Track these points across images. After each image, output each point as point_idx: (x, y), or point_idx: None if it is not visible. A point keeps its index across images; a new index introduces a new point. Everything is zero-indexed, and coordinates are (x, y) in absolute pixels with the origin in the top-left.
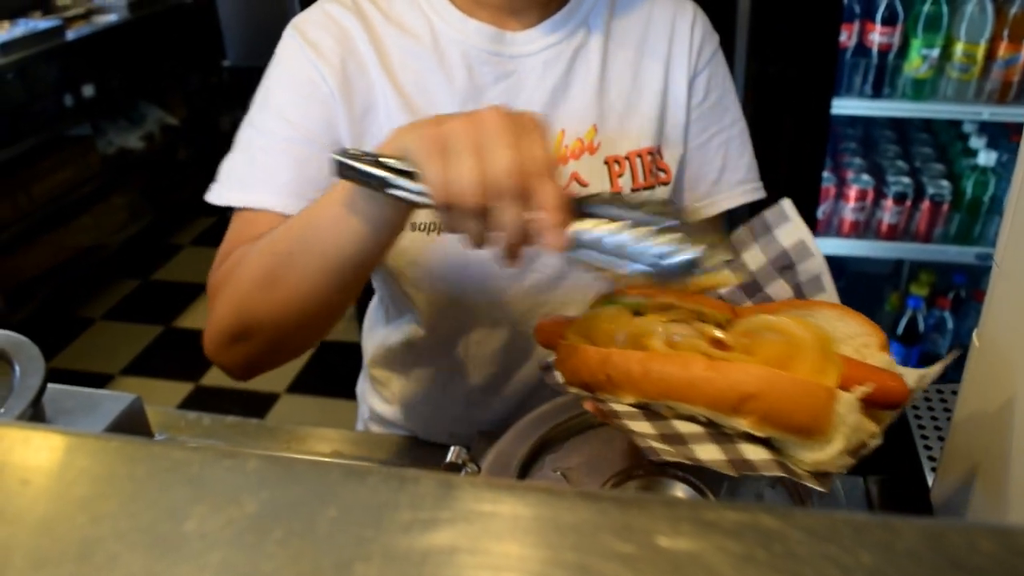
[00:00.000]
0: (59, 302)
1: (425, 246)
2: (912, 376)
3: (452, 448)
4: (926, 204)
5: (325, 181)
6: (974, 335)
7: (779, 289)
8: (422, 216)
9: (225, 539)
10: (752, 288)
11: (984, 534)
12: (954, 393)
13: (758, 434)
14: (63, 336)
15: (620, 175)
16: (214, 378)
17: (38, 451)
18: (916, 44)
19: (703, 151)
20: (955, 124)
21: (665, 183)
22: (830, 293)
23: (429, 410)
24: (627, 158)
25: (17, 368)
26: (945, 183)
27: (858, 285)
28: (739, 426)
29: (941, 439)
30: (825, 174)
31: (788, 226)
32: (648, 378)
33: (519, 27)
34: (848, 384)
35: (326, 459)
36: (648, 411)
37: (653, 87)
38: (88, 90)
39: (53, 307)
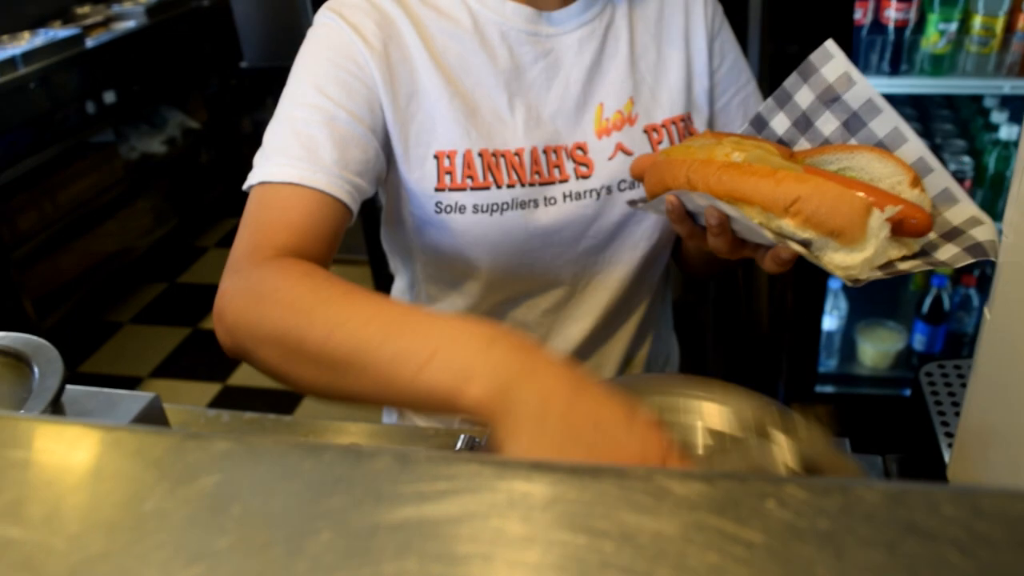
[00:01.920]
0: (87, 307)
1: (489, 227)
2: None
3: (461, 437)
4: None
5: (365, 163)
6: (986, 309)
7: (826, 121)
8: (482, 199)
9: (181, 517)
10: (804, 123)
11: (947, 497)
12: (969, 368)
13: (802, 235)
14: (92, 341)
15: (660, 142)
16: (241, 377)
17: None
18: (933, 19)
19: (726, 111)
20: (976, 99)
21: None
22: (887, 112)
23: None
24: (663, 126)
25: (36, 370)
26: (967, 159)
27: None
28: (787, 227)
29: (957, 415)
30: None
31: (832, 63)
32: (720, 181)
33: (553, 6)
34: (881, 207)
35: (290, 440)
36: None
37: (676, 58)
38: (109, 96)
39: (81, 313)
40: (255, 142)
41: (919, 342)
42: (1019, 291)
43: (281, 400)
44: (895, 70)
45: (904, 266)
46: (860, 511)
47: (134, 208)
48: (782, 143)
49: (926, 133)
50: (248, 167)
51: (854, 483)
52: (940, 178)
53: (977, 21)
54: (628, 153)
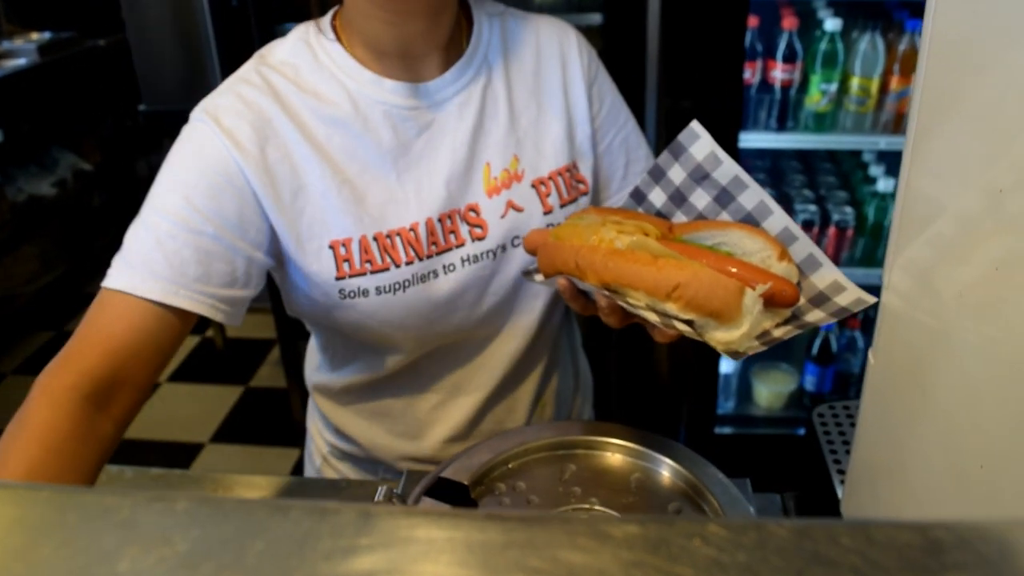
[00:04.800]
0: None
1: (394, 305)
2: (852, 294)
3: (380, 488)
4: (832, 230)
5: (231, 275)
6: (870, 353)
7: (699, 196)
8: (383, 280)
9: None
10: (678, 198)
11: (844, 530)
12: (857, 408)
13: (684, 316)
14: None
15: (548, 195)
16: (135, 430)
17: None
18: (815, 80)
19: (609, 152)
20: (855, 154)
21: (585, 193)
22: (752, 187)
23: (386, 429)
24: (550, 178)
25: None
26: (849, 209)
27: None
28: (671, 310)
29: (848, 453)
30: None
31: (700, 142)
32: (607, 268)
33: (429, 77)
34: (753, 285)
35: (252, 498)
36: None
37: (556, 109)
38: None
39: None
40: (149, 186)
41: (810, 383)
42: (899, 335)
43: (179, 454)
44: (782, 126)
45: (778, 333)
46: (772, 545)
47: (20, 253)
48: (660, 215)
49: (811, 185)
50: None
51: (767, 522)
52: (804, 246)
53: (855, 83)
54: (519, 209)
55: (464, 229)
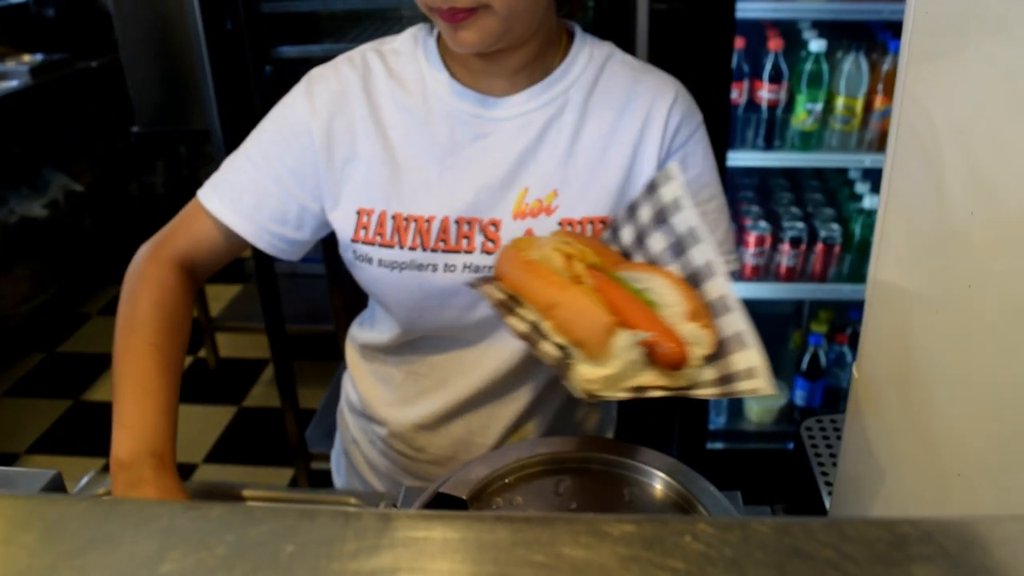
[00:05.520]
0: None
1: (389, 280)
2: (758, 383)
3: (380, 503)
4: (820, 247)
5: (282, 214)
6: (854, 368)
7: (656, 241)
8: (385, 255)
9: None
10: (639, 240)
11: (820, 526)
12: (843, 422)
13: (556, 338)
14: None
15: None
16: None
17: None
18: (801, 99)
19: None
20: (841, 171)
21: None
22: (705, 243)
23: (382, 394)
24: (580, 222)
25: None
26: (836, 226)
27: (763, 326)
28: (547, 328)
29: (835, 465)
30: None
31: (671, 184)
32: (513, 273)
33: (500, 93)
34: (633, 329)
35: (281, 504)
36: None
37: (619, 162)
38: None
39: None
40: (142, 206)
41: (800, 397)
42: (881, 349)
43: None
44: (769, 145)
45: (657, 393)
46: (755, 540)
47: (11, 274)
48: (625, 253)
49: (799, 203)
50: (134, 232)
51: (751, 520)
52: (736, 321)
53: (840, 102)
54: None
55: (479, 239)
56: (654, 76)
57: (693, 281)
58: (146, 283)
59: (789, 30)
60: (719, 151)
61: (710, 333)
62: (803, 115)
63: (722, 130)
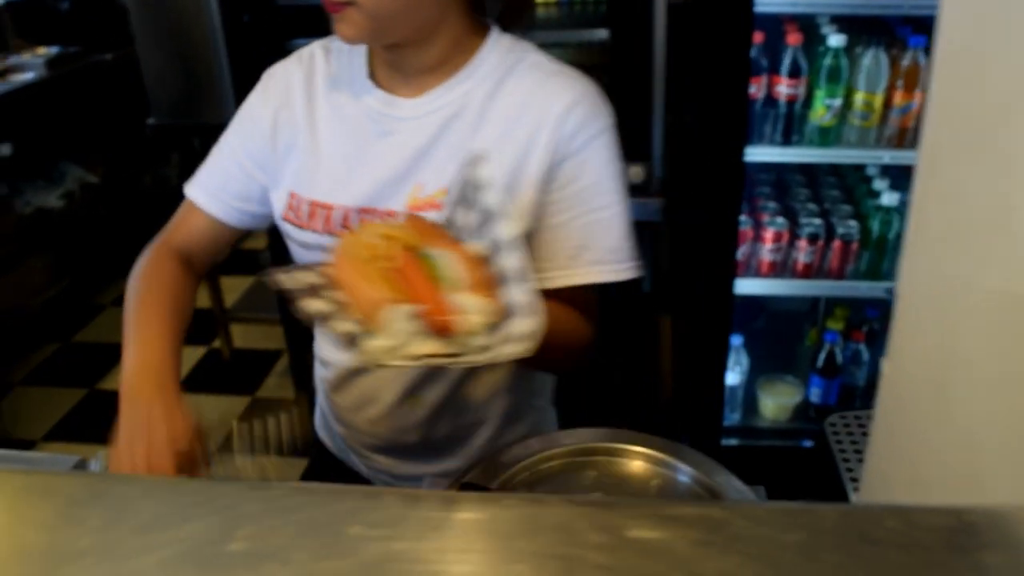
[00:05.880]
0: None
1: (300, 258)
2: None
3: None
4: (837, 243)
5: (247, 193)
6: (883, 363)
7: (468, 217)
8: (299, 236)
9: (267, 554)
10: (452, 217)
11: (888, 513)
12: (869, 418)
13: (350, 316)
14: None
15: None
16: None
17: (77, 491)
18: (820, 95)
19: (565, 228)
20: (859, 168)
21: None
22: (507, 219)
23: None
24: None
25: None
26: (853, 223)
27: (778, 322)
28: (346, 307)
29: (860, 462)
30: (742, 218)
31: (482, 166)
32: (334, 263)
33: (408, 94)
34: (407, 304)
35: (342, 486)
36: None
37: (508, 164)
38: (5, 149)
39: None
40: (156, 198)
41: (815, 395)
42: (913, 344)
43: None
44: (787, 141)
45: (443, 360)
46: (823, 526)
47: (27, 265)
48: (452, 228)
49: (816, 199)
50: (148, 224)
51: (817, 506)
52: (524, 292)
53: (859, 97)
54: None
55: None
56: (560, 79)
57: (495, 253)
58: (151, 266)
59: (808, 24)
60: (737, 146)
61: (492, 302)
62: (822, 110)
63: (740, 125)
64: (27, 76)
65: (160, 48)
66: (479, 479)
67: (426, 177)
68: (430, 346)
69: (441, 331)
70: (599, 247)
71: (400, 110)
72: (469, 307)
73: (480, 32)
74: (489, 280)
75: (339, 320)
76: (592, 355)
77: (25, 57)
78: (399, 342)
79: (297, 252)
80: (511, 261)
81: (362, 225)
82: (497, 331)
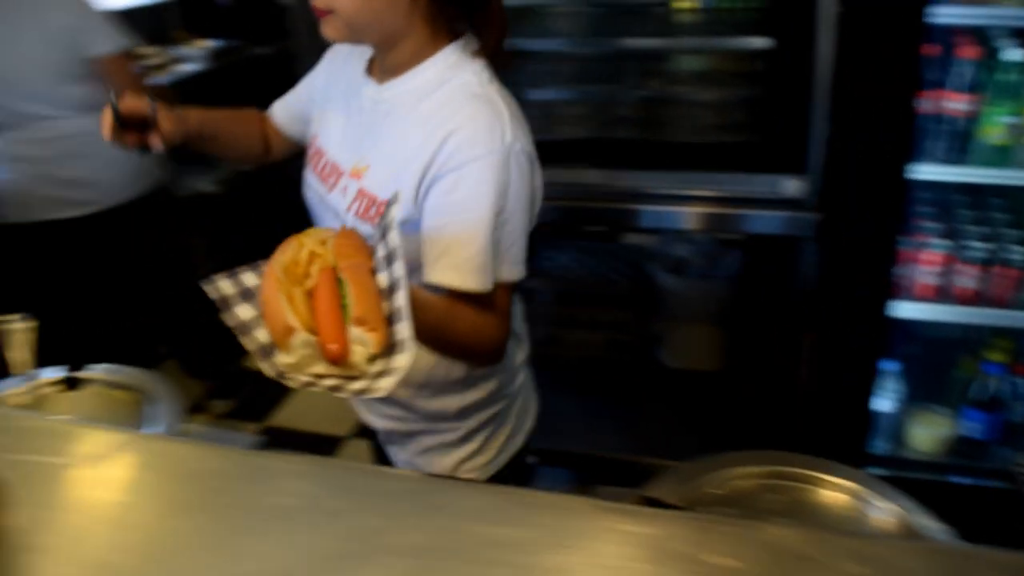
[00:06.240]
0: None
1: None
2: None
3: None
4: (998, 268)
5: (301, 116)
6: None
7: (380, 250)
8: (310, 178)
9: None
10: (375, 253)
11: None
12: None
13: (264, 330)
14: None
15: (355, 202)
16: (282, 419)
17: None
18: (993, 112)
19: (439, 231)
20: None
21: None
22: (401, 260)
23: None
24: (376, 203)
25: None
26: (1020, 249)
27: (928, 349)
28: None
29: None
30: (902, 238)
31: (394, 207)
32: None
33: (382, 81)
34: (310, 331)
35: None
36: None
37: (415, 168)
38: None
39: None
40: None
41: (970, 428)
42: None
43: (321, 445)
44: (954, 159)
45: (329, 383)
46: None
47: (185, 246)
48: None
49: (982, 221)
50: (296, 211)
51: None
52: (405, 330)
53: None
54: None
55: (334, 181)
56: (467, 103)
57: (393, 289)
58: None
59: (983, 38)
60: (900, 163)
61: (375, 336)
62: (995, 128)
63: (905, 141)
64: (190, 67)
65: (312, 42)
66: (665, 495)
67: (365, 152)
68: (324, 368)
69: (333, 360)
70: (459, 255)
71: (370, 93)
72: (356, 339)
73: (444, 42)
74: (374, 314)
75: (258, 330)
76: (502, 348)
77: (188, 49)
78: (300, 362)
79: (306, 195)
80: (399, 299)
81: (308, 231)
82: (380, 362)
